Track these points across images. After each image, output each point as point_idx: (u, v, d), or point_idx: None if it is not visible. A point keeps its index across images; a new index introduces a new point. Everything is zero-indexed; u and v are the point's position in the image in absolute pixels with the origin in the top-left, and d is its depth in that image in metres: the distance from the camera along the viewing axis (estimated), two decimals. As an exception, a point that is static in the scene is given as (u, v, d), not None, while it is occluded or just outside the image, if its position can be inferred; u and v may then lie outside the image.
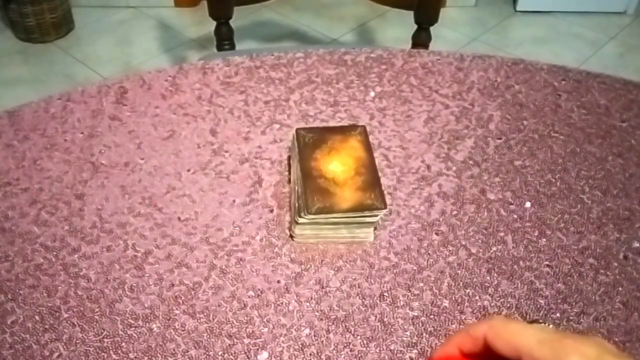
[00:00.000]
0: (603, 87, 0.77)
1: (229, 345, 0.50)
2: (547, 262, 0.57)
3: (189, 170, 0.65)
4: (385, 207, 0.55)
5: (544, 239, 0.59)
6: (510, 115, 0.73)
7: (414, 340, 0.51)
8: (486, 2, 2.54)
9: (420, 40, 1.21)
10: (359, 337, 0.51)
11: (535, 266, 0.57)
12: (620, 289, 0.55)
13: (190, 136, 0.69)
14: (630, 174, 0.66)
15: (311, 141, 0.61)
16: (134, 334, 0.51)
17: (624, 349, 0.51)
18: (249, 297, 0.54)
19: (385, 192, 0.58)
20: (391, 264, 0.57)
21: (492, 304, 0.54)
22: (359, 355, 0.50)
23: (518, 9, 2.48)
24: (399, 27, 2.36)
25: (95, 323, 0.52)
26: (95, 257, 0.57)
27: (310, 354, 0.50)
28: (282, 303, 0.54)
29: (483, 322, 0.41)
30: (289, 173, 0.65)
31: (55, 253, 0.57)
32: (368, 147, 0.61)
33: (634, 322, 0.53)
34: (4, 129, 0.70)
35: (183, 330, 0.51)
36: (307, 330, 0.52)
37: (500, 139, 0.70)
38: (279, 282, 0.55)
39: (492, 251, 0.58)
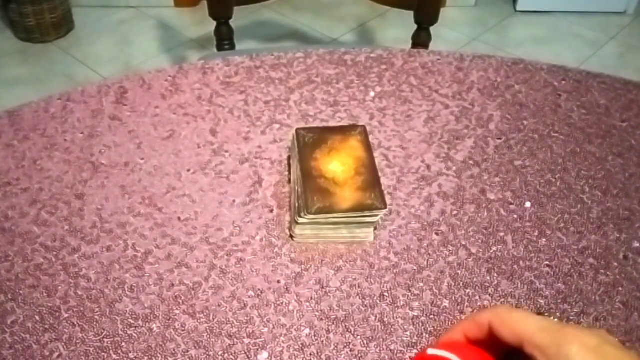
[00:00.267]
0: (603, 87, 0.77)
1: (229, 345, 0.50)
2: (547, 262, 0.57)
3: (189, 170, 0.65)
4: (385, 207, 0.55)
5: (544, 239, 0.59)
6: (510, 115, 0.73)
7: (414, 340, 0.51)
8: (486, 2, 2.55)
9: (420, 40, 1.21)
10: (359, 337, 0.51)
11: (535, 266, 0.57)
12: (620, 289, 0.55)
13: (190, 136, 0.69)
14: (630, 174, 0.66)
15: (311, 141, 0.61)
16: (134, 334, 0.51)
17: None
18: (249, 297, 0.54)
19: (385, 192, 0.58)
20: (391, 264, 0.57)
21: (492, 304, 0.54)
22: (359, 355, 0.50)
23: (518, 9, 2.48)
24: (399, 27, 2.37)
25: (95, 323, 0.52)
26: (95, 257, 0.57)
27: (310, 354, 0.50)
28: (282, 303, 0.54)
29: (489, 309, 0.42)
30: (289, 173, 0.65)
31: (55, 253, 0.57)
32: (368, 147, 0.61)
33: (634, 322, 0.53)
34: (4, 129, 0.70)
35: (183, 330, 0.51)
36: (307, 330, 0.52)
37: (500, 139, 0.70)
38: (279, 282, 0.55)
39: (492, 251, 0.58)
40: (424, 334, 0.51)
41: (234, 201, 0.62)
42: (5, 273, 0.55)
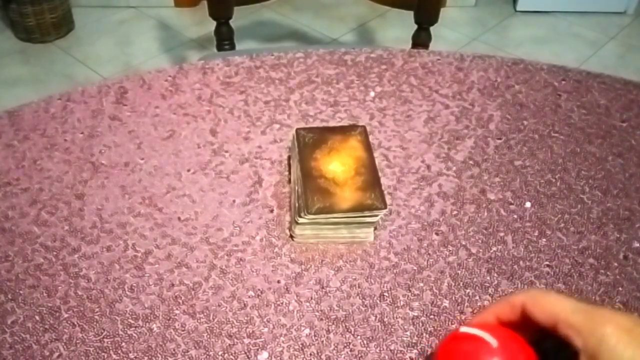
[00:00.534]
0: (603, 87, 0.77)
1: (229, 345, 0.50)
2: (547, 262, 0.57)
3: (189, 170, 0.65)
4: (385, 207, 0.55)
5: (544, 239, 0.59)
6: (510, 115, 0.73)
7: (414, 340, 0.51)
8: (486, 2, 2.55)
9: (420, 40, 1.21)
10: (359, 337, 0.51)
11: (535, 266, 0.57)
12: (620, 289, 0.55)
13: (190, 136, 0.69)
14: (630, 174, 0.66)
15: (311, 141, 0.61)
16: (134, 334, 0.51)
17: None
18: (249, 297, 0.54)
19: (385, 192, 0.58)
20: (391, 264, 0.57)
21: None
22: (359, 355, 0.50)
23: (518, 9, 2.48)
24: (399, 27, 2.37)
25: (95, 323, 0.52)
26: (95, 257, 0.57)
27: (310, 354, 0.50)
28: (282, 303, 0.54)
29: (522, 292, 0.44)
30: (289, 173, 0.65)
31: (55, 253, 0.57)
32: (368, 147, 0.61)
33: (634, 322, 0.53)
34: (4, 129, 0.70)
35: (183, 330, 0.51)
36: (307, 330, 0.52)
37: (500, 139, 0.70)
38: (279, 282, 0.55)
39: (492, 251, 0.58)
40: (424, 334, 0.51)
41: (234, 201, 0.62)
42: (5, 273, 0.55)
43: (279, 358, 0.50)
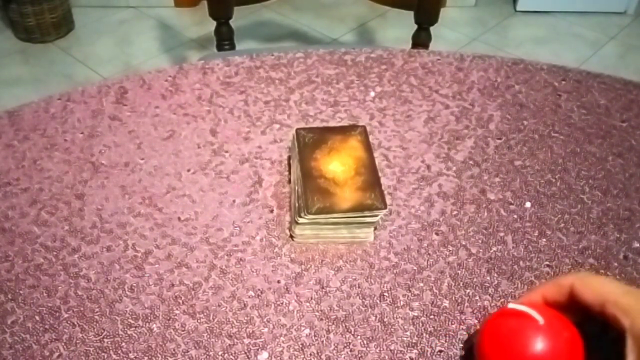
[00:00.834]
0: (603, 87, 0.77)
1: (229, 345, 0.50)
2: (547, 262, 0.57)
3: (189, 170, 0.65)
4: (385, 207, 0.55)
5: (544, 239, 0.59)
6: (510, 115, 0.73)
7: (414, 340, 0.51)
8: (486, 2, 2.55)
9: (420, 40, 1.21)
10: (359, 337, 0.51)
11: (535, 266, 0.57)
12: (620, 289, 0.55)
13: (190, 136, 0.69)
14: (630, 174, 0.66)
15: (311, 141, 0.61)
16: (134, 334, 0.51)
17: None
18: (249, 297, 0.54)
19: (385, 192, 0.58)
20: (391, 264, 0.57)
21: (492, 304, 0.54)
22: (359, 355, 0.50)
23: (518, 9, 2.48)
24: (399, 27, 2.37)
25: (95, 323, 0.52)
26: (95, 257, 0.57)
27: (310, 354, 0.50)
28: (282, 303, 0.54)
29: (572, 273, 0.46)
30: (289, 173, 0.65)
31: (55, 253, 0.57)
32: (368, 147, 0.61)
33: (634, 322, 0.53)
34: (4, 129, 0.70)
35: (183, 330, 0.51)
36: (307, 330, 0.52)
37: (500, 139, 0.70)
38: (279, 282, 0.55)
39: (492, 251, 0.58)
40: (424, 334, 0.51)
41: (234, 201, 0.62)
42: (5, 273, 0.55)
43: (279, 358, 0.50)
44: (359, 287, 0.55)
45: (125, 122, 0.71)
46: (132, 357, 0.50)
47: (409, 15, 1.21)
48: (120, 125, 0.70)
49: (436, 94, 0.76)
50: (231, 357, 0.50)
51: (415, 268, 0.57)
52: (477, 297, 0.54)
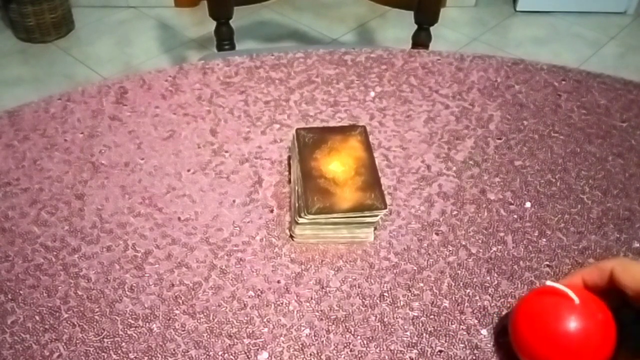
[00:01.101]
0: (603, 87, 0.77)
1: (229, 345, 0.50)
2: (547, 262, 0.57)
3: (189, 170, 0.65)
4: (386, 207, 0.55)
5: (544, 239, 0.59)
6: (510, 115, 0.73)
7: (414, 340, 0.51)
8: (486, 2, 2.55)
9: (420, 40, 1.21)
10: (359, 337, 0.51)
11: (535, 266, 0.57)
12: (620, 289, 0.55)
13: (190, 136, 0.69)
14: (630, 174, 0.66)
15: (311, 141, 0.61)
16: (134, 334, 0.51)
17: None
18: (249, 297, 0.54)
19: (385, 192, 0.58)
20: (391, 264, 0.57)
21: (492, 304, 0.54)
22: (359, 356, 0.50)
23: (518, 9, 2.48)
24: (399, 27, 2.37)
25: (95, 323, 0.52)
26: (95, 257, 0.57)
27: (310, 354, 0.50)
28: (282, 303, 0.54)
29: (613, 258, 0.46)
30: (289, 173, 0.65)
31: (55, 253, 0.57)
32: (368, 147, 0.61)
33: (634, 322, 0.53)
34: (4, 129, 0.70)
35: (183, 330, 0.51)
36: (307, 330, 0.52)
37: (500, 139, 0.70)
38: (279, 282, 0.55)
39: (492, 251, 0.58)
40: (424, 334, 0.51)
41: (234, 201, 0.62)
42: (5, 273, 0.55)
43: (279, 358, 0.50)
44: (359, 287, 0.55)
45: (125, 122, 0.71)
46: (132, 357, 0.50)
47: (409, 15, 1.21)
48: (120, 125, 0.70)
49: (436, 94, 0.76)
50: (231, 357, 0.50)
51: (415, 268, 0.56)
52: (477, 297, 0.54)
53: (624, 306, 0.45)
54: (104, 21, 2.39)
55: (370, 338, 0.51)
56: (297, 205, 0.57)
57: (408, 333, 0.52)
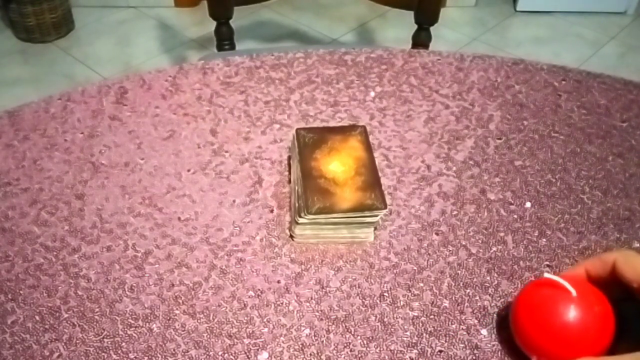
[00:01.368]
0: (603, 87, 0.77)
1: (229, 345, 0.50)
2: (547, 262, 0.57)
3: (189, 170, 0.65)
4: (386, 207, 0.55)
5: (544, 239, 0.59)
6: (511, 115, 0.73)
7: (414, 340, 0.51)
8: (486, 2, 2.54)
9: (420, 40, 1.21)
10: (359, 337, 0.51)
11: (535, 266, 0.57)
12: (620, 289, 0.55)
13: (190, 136, 0.69)
14: (631, 174, 0.66)
15: (311, 141, 0.61)
16: (134, 334, 0.51)
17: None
18: (249, 297, 0.54)
19: (385, 192, 0.58)
20: (391, 264, 0.57)
21: (492, 304, 0.54)
22: (359, 356, 0.50)
23: (518, 9, 2.48)
24: (399, 27, 2.36)
25: (95, 323, 0.52)
26: (95, 257, 0.57)
27: (310, 354, 0.50)
28: (282, 303, 0.54)
29: (616, 250, 0.47)
30: (289, 173, 0.65)
31: (55, 253, 0.57)
32: (368, 147, 0.61)
33: (634, 322, 0.53)
34: (4, 129, 0.70)
35: (183, 330, 0.51)
36: (307, 331, 0.52)
37: (500, 139, 0.70)
38: (279, 282, 0.55)
39: (492, 251, 0.58)
40: (424, 334, 0.51)
41: (234, 201, 0.62)
42: (5, 273, 0.55)
43: (279, 358, 0.50)
44: (359, 287, 0.55)
45: (125, 122, 0.71)
46: (132, 357, 0.50)
47: (409, 15, 1.21)
48: (120, 125, 0.70)
49: (436, 94, 0.76)
50: (231, 357, 0.50)
51: (415, 268, 0.56)
52: (477, 297, 0.54)
53: (626, 299, 0.46)
54: (104, 21, 2.39)
55: (370, 338, 0.51)
56: (297, 205, 0.57)
57: (408, 333, 0.52)
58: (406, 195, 0.63)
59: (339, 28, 2.39)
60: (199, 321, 0.52)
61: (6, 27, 2.31)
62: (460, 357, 0.50)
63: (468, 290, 0.55)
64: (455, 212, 0.62)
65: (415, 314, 0.53)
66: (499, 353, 0.50)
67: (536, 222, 0.61)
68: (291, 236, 0.59)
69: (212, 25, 1.23)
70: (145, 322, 0.52)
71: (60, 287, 0.54)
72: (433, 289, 0.55)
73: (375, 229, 0.59)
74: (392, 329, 0.52)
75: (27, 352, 0.50)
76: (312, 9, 2.49)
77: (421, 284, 0.55)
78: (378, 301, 0.54)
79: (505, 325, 0.50)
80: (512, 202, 0.63)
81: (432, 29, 1.20)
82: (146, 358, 0.50)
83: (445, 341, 0.51)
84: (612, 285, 0.46)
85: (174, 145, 0.68)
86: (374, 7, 2.49)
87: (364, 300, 0.54)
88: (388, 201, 0.60)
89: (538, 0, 2.45)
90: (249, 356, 0.50)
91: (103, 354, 0.50)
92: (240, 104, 0.74)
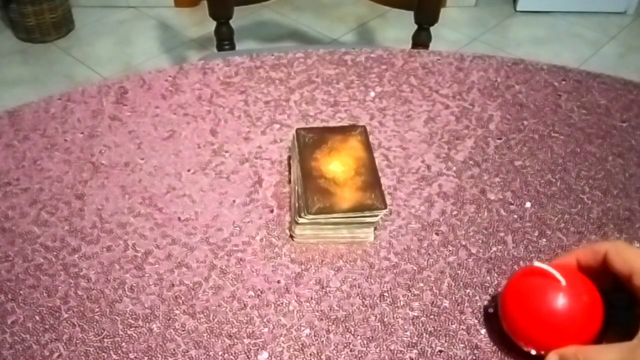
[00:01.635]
0: (603, 87, 0.77)
1: (229, 345, 0.50)
2: (547, 262, 0.57)
3: (189, 170, 0.65)
4: (386, 207, 0.55)
5: (544, 239, 0.59)
6: (511, 115, 0.73)
7: (414, 340, 0.51)
8: (486, 2, 2.55)
9: (421, 40, 1.21)
10: (359, 337, 0.51)
11: (535, 266, 0.57)
12: (620, 289, 0.55)
13: (190, 136, 0.69)
14: (631, 174, 0.66)
15: (311, 141, 0.61)
16: (134, 334, 0.51)
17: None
18: (249, 297, 0.54)
19: (385, 192, 0.58)
20: (391, 264, 0.57)
21: (492, 304, 0.54)
22: (359, 356, 0.50)
23: (518, 9, 2.48)
24: (399, 27, 2.36)
25: (95, 323, 0.52)
26: (95, 257, 0.57)
27: (310, 354, 0.50)
28: (282, 303, 0.54)
29: (608, 241, 0.48)
30: (289, 173, 0.65)
31: (55, 253, 0.57)
32: (368, 147, 0.61)
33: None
34: (4, 129, 0.70)
35: (183, 330, 0.51)
36: (307, 331, 0.52)
37: (500, 139, 0.70)
38: (279, 282, 0.55)
39: (492, 251, 0.58)
40: (424, 334, 0.51)
41: (234, 201, 0.62)
42: (5, 273, 0.55)
43: (279, 358, 0.50)
44: (359, 287, 0.55)
45: (125, 122, 0.71)
46: (132, 357, 0.50)
47: (409, 15, 1.21)
48: (120, 125, 0.70)
49: (436, 94, 0.76)
50: (231, 357, 0.50)
51: (415, 268, 0.56)
52: (477, 297, 0.54)
53: (616, 290, 0.46)
54: (104, 21, 2.39)
55: (370, 338, 0.51)
56: (297, 205, 0.57)
57: (408, 333, 0.52)
58: (406, 195, 0.63)
59: (339, 28, 2.39)
60: (199, 321, 0.52)
61: (6, 27, 2.31)
62: (460, 357, 0.50)
63: (468, 290, 0.55)
64: (455, 212, 0.62)
65: (415, 314, 0.53)
66: (499, 353, 0.50)
67: (536, 222, 0.61)
68: (291, 236, 0.59)
69: (212, 25, 1.23)
70: (145, 322, 0.52)
71: (60, 287, 0.54)
72: (433, 289, 0.55)
73: (375, 229, 0.59)
74: (392, 329, 0.52)
75: (27, 352, 0.50)
76: (312, 9, 2.49)
77: (421, 284, 0.55)
78: (378, 301, 0.54)
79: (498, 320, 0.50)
80: (512, 202, 0.63)
81: (432, 29, 1.20)
82: (146, 358, 0.50)
83: (445, 341, 0.51)
84: (602, 275, 0.46)
85: (174, 145, 0.68)
86: (374, 7, 2.49)
87: (364, 300, 0.54)
88: (388, 201, 0.60)
89: (538, 0, 2.45)
90: (249, 356, 0.50)
91: (103, 354, 0.50)
92: (240, 104, 0.74)
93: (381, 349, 0.50)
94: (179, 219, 0.60)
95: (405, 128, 0.71)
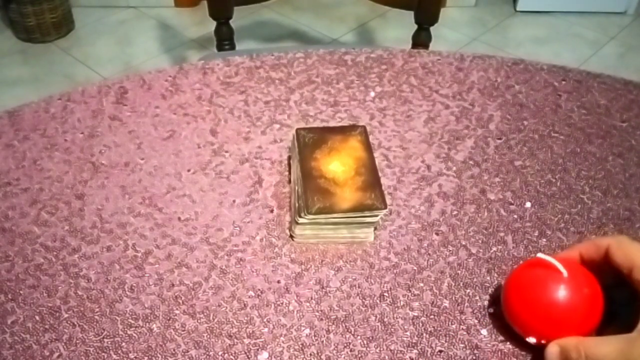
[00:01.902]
0: (603, 87, 0.77)
1: (229, 345, 0.50)
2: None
3: (189, 170, 0.65)
4: (386, 207, 0.55)
5: (544, 239, 0.59)
6: (511, 115, 0.73)
7: (414, 340, 0.51)
8: (486, 2, 2.55)
9: (421, 40, 1.21)
10: (359, 337, 0.51)
11: (535, 266, 0.57)
12: (620, 289, 0.55)
13: (190, 136, 0.69)
14: (631, 174, 0.66)
15: (311, 141, 0.61)
16: (134, 334, 0.51)
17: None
18: (249, 297, 0.54)
19: (385, 192, 0.58)
20: (391, 264, 0.57)
21: (493, 304, 0.54)
22: (359, 356, 0.50)
23: (518, 9, 2.48)
24: (399, 27, 2.36)
25: (95, 323, 0.52)
26: (95, 257, 0.57)
27: (310, 354, 0.50)
28: (282, 303, 0.54)
29: (611, 235, 0.49)
30: (289, 173, 0.65)
31: (55, 253, 0.57)
32: (368, 147, 0.61)
33: (634, 322, 0.53)
34: (4, 129, 0.70)
35: (183, 330, 0.51)
36: (307, 331, 0.52)
37: (500, 139, 0.70)
38: (279, 282, 0.55)
39: (492, 251, 0.58)
40: (424, 334, 0.51)
41: (234, 201, 0.62)
42: (5, 273, 0.55)
43: (279, 358, 0.50)
44: (359, 287, 0.55)
45: (125, 122, 0.71)
46: (132, 357, 0.50)
47: (409, 15, 1.21)
48: (120, 125, 0.70)
49: (436, 94, 0.76)
50: (231, 357, 0.50)
51: (415, 268, 0.56)
52: (477, 297, 0.54)
53: (617, 285, 0.46)
54: (104, 21, 2.39)
55: (370, 338, 0.51)
56: (297, 205, 0.57)
57: (408, 333, 0.52)
58: (406, 195, 0.63)
59: (339, 28, 2.39)
60: (199, 321, 0.52)
61: (6, 27, 2.31)
62: (460, 357, 0.50)
63: (468, 290, 0.55)
64: (455, 212, 0.62)
65: (415, 314, 0.53)
66: (499, 353, 0.50)
67: (536, 222, 0.61)
68: (291, 236, 0.59)
69: (212, 25, 1.23)
70: (145, 322, 0.52)
71: (60, 287, 0.54)
72: (433, 289, 0.55)
73: (375, 229, 0.59)
74: (392, 329, 0.52)
75: (27, 352, 0.50)
76: (312, 9, 2.49)
77: (421, 284, 0.55)
78: (378, 301, 0.54)
79: (504, 323, 0.50)
80: (512, 202, 0.63)
81: (432, 29, 1.20)
82: (146, 358, 0.50)
83: (445, 341, 0.51)
84: (604, 270, 0.47)
85: (174, 145, 0.68)
86: (374, 7, 2.49)
87: (364, 300, 0.54)
88: (388, 201, 0.60)
89: (538, 0, 2.45)
90: (249, 356, 0.50)
91: (103, 354, 0.50)
92: (240, 104, 0.74)
93: (381, 349, 0.50)
94: (179, 219, 0.60)
95: (405, 128, 0.71)
